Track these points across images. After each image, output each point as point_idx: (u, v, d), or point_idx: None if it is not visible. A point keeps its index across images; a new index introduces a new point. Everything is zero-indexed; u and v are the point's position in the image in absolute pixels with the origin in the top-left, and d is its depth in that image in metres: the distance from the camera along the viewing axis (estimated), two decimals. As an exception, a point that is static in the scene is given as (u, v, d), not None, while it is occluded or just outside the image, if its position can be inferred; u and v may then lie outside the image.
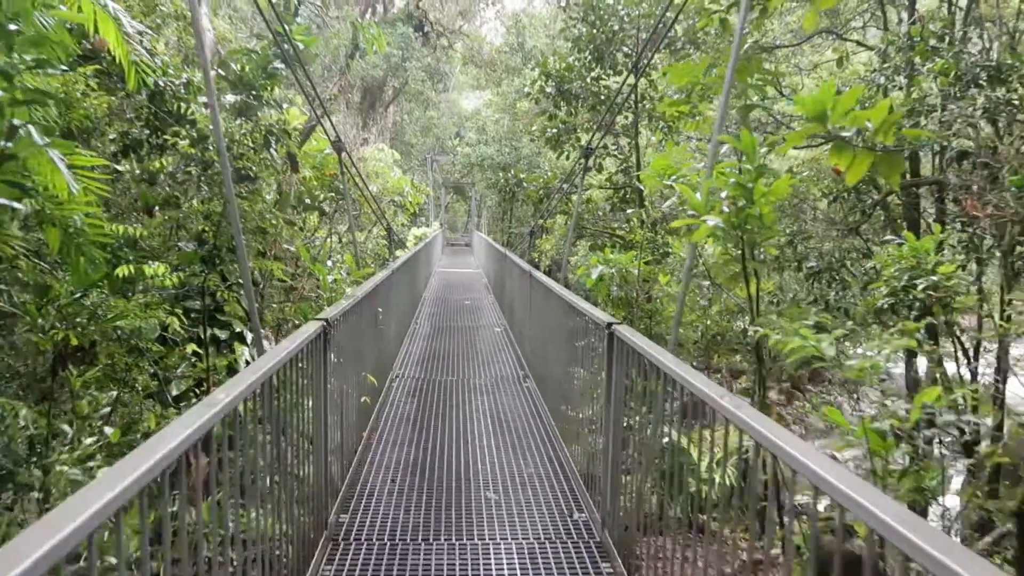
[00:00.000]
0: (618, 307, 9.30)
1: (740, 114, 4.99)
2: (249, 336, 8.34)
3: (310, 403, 3.63)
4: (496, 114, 38.09)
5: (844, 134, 2.94)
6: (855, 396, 19.97)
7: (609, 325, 3.98)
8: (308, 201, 8.95)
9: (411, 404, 7.21)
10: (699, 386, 2.57)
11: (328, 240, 16.16)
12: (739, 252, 4.08)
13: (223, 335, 8.13)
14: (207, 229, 6.13)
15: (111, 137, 7.22)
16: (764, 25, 14.70)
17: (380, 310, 6.49)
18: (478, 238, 32.02)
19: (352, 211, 13.10)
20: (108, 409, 4.84)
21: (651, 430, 3.52)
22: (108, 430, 3.55)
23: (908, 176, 10.17)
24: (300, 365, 3.36)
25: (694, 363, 14.63)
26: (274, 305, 9.41)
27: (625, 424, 4.02)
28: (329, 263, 7.99)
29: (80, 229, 4.24)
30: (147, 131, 7.16)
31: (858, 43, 14.73)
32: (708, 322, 9.51)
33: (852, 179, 3.28)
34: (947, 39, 9.40)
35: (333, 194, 12.73)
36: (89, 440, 3.38)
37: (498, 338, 11.20)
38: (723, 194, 3.49)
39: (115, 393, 5.13)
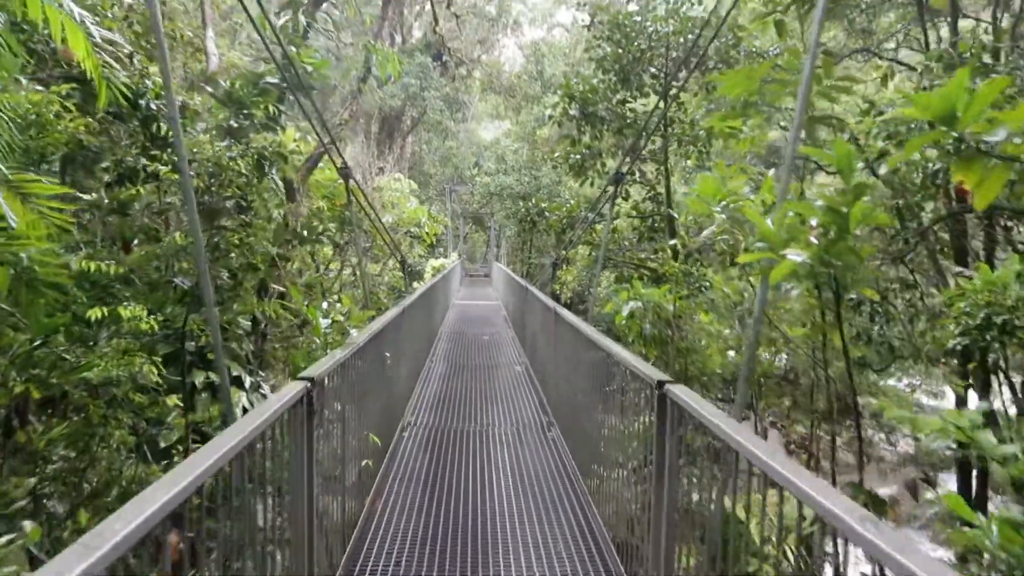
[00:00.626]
0: (649, 345, 8.51)
1: (807, 127, 4.27)
2: (248, 380, 7.68)
3: (290, 476, 2.92)
4: (515, 143, 37.72)
5: (990, 139, 2.21)
6: (887, 429, 18.92)
7: (661, 385, 3.21)
8: (307, 234, 8.27)
9: (423, 459, 6.44)
10: (813, 495, 1.79)
11: (340, 273, 15.57)
12: (820, 291, 3.33)
13: (218, 379, 7.47)
14: (189, 265, 5.47)
15: (104, 165, 6.66)
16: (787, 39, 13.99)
17: (388, 354, 5.77)
18: (497, 269, 31.38)
19: (365, 242, 12.49)
20: (25, 502, 4.11)
21: (714, 508, 2.77)
22: (27, 525, 2.83)
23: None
24: (275, 436, 2.65)
25: (719, 396, 13.71)
26: (276, 346, 8.77)
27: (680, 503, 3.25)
28: (325, 304, 7.29)
29: (27, 268, 3.59)
30: (143, 159, 6.60)
31: (896, 62, 13.98)
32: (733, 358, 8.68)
33: (983, 201, 2.53)
34: (1002, 54, 8.66)
35: (348, 225, 12.15)
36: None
37: (519, 378, 10.43)
38: (812, 221, 2.74)
39: (33, 481, 4.42)
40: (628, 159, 8.35)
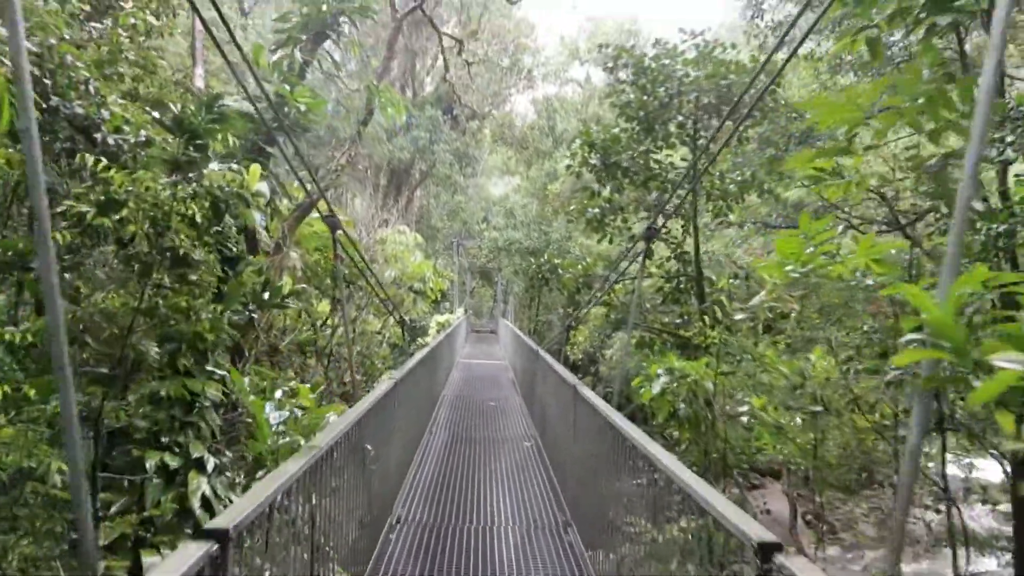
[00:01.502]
0: (683, 427, 7.31)
1: (937, 173, 3.23)
2: (211, 462, 6.51)
3: None
4: (525, 199, 37.09)
5: None
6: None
7: (767, 553, 2.05)
8: (268, 297, 7.15)
9: (413, 570, 5.21)
10: None
11: (335, 331, 14.47)
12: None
13: (175, 463, 6.32)
14: (116, 333, 4.38)
15: (59, 210, 5.65)
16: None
17: (369, 448, 4.60)
18: (504, 326, 30.26)
19: (360, 299, 11.48)
20: None
21: None
22: None
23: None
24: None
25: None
26: (249, 420, 7.63)
27: None
28: (279, 394, 6.16)
29: None
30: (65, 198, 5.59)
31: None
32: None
33: None
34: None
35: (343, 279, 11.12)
36: None
37: (528, 457, 9.19)
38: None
39: None
40: (660, 213, 7.34)
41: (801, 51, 12.33)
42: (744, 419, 7.25)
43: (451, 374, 18.16)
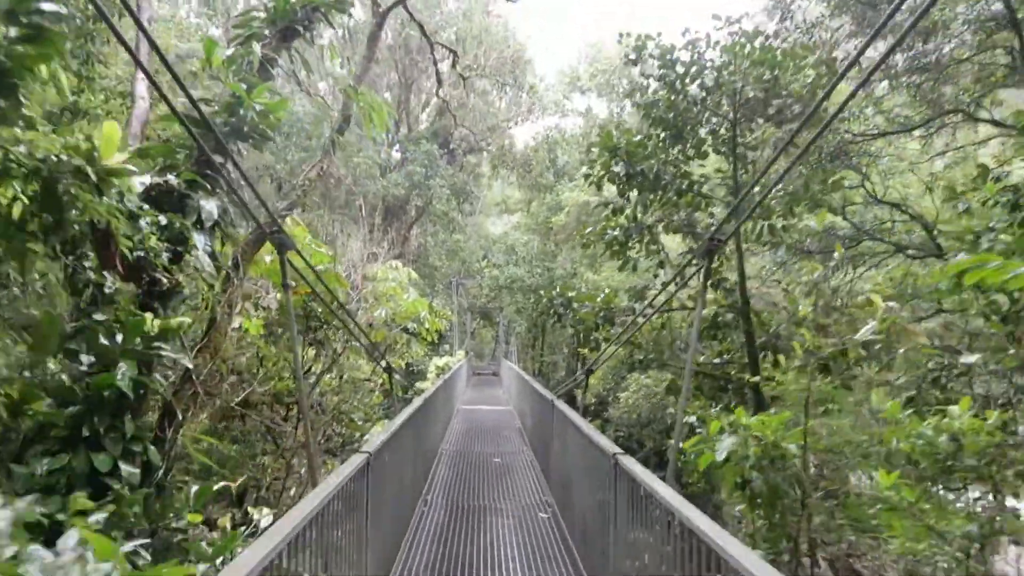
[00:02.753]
0: (753, 502, 5.55)
1: None
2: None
3: None
4: (526, 235, 35.62)
5: None
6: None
7: None
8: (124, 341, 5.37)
9: None
10: None
11: (320, 377, 12.73)
12: None
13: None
14: None
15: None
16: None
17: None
18: (507, 368, 28.40)
19: (336, 337, 9.80)
20: None
21: None
22: None
23: None
24: None
25: None
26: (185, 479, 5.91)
27: None
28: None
29: None
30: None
31: (995, 123, 11.58)
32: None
33: None
34: None
35: (313, 320, 9.44)
36: None
37: (546, 535, 7.37)
38: None
39: None
40: (725, 222, 5.68)
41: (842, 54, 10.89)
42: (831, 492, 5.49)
43: (451, 424, 16.32)
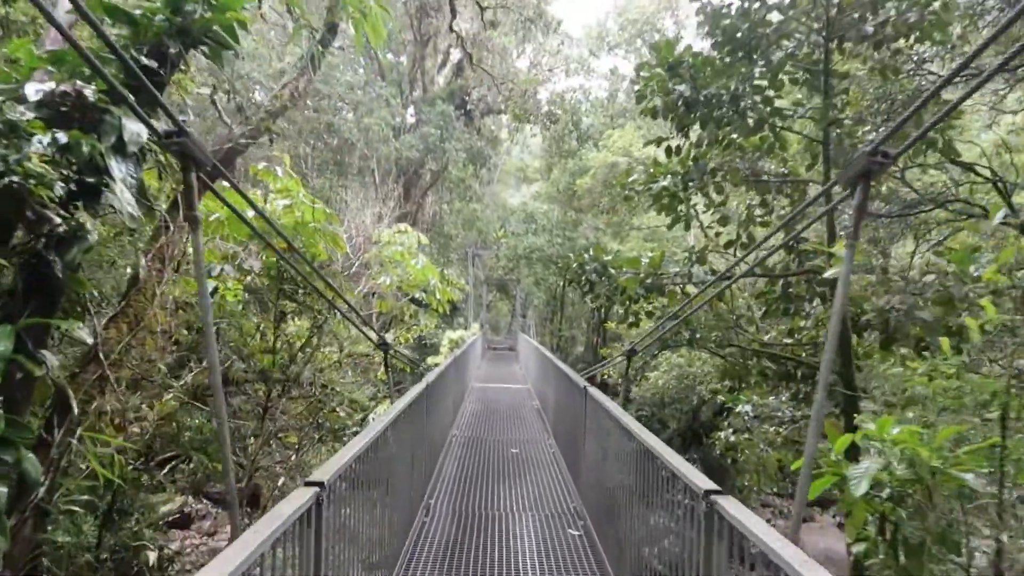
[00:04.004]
0: (895, 549, 3.86)
1: None
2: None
3: None
4: (546, 204, 33.74)
5: None
6: None
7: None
8: None
9: None
10: None
11: (312, 355, 11.14)
12: None
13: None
14: None
15: None
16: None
17: None
18: (525, 343, 26.75)
19: (320, 306, 8.14)
20: None
21: None
22: None
23: None
24: None
25: None
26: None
27: None
28: None
29: None
30: None
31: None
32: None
33: None
34: None
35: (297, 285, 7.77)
36: None
37: (580, 563, 5.74)
38: None
39: None
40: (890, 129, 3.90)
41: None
42: None
43: (463, 405, 14.75)
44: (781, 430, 8.33)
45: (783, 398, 8.59)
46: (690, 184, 6.80)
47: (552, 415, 11.63)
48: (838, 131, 6.55)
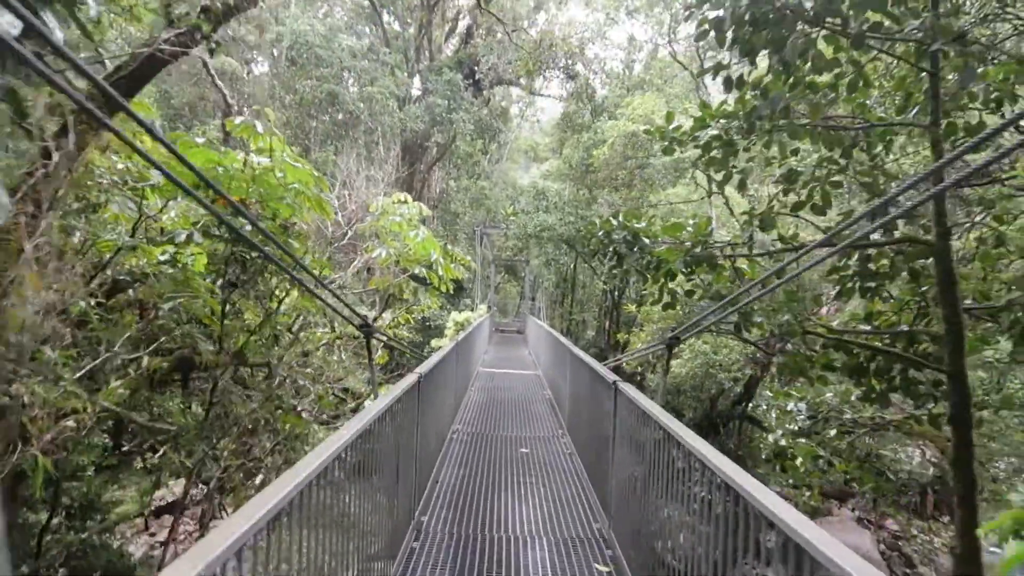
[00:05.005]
0: None
1: None
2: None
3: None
4: (557, 183, 32.12)
5: None
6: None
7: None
8: None
9: None
10: None
11: (294, 340, 9.80)
12: None
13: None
14: None
15: None
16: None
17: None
18: (534, 326, 25.31)
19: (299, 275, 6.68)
20: None
21: None
22: None
23: None
24: None
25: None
26: None
27: None
28: None
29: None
30: None
31: None
32: None
33: None
34: None
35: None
36: None
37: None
38: None
39: None
40: None
41: None
42: None
43: (467, 393, 13.38)
44: (848, 437, 6.88)
45: (854, 396, 7.15)
46: (758, 122, 5.29)
47: (568, 408, 10.23)
48: (956, 53, 5.00)
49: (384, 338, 7.37)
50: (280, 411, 6.80)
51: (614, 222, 7.18)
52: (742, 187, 6.34)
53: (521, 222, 28.15)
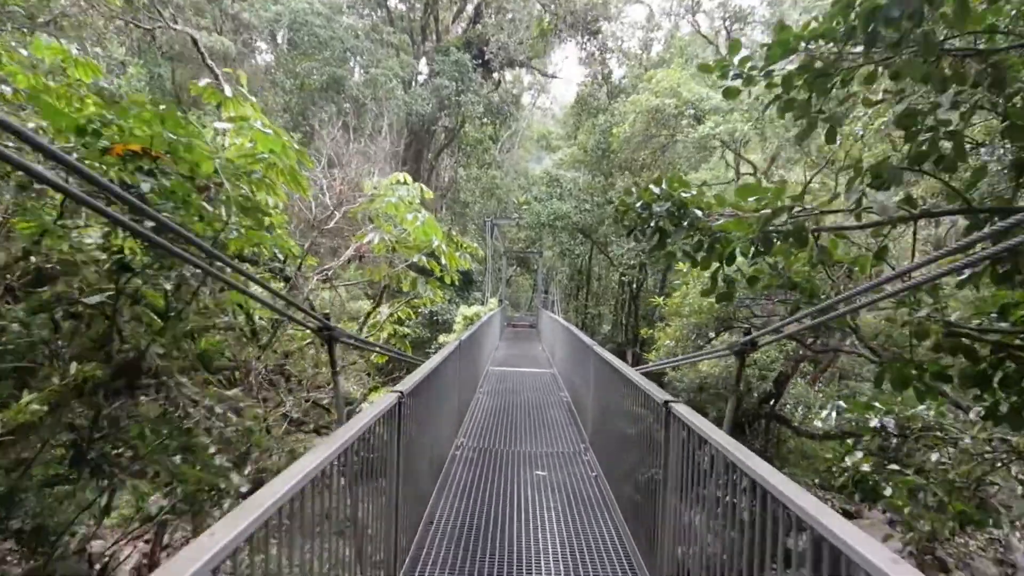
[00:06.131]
0: None
1: None
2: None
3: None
4: (571, 172, 30.51)
5: None
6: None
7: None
8: None
9: None
10: None
11: (271, 340, 8.33)
12: None
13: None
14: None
15: None
16: None
17: None
18: (548, 321, 23.73)
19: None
20: None
21: None
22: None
23: None
24: None
25: None
26: None
27: None
28: None
29: None
30: None
31: None
32: None
33: None
34: None
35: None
36: None
37: None
38: None
39: None
40: None
41: None
42: None
43: (474, 399, 11.86)
44: (965, 468, 5.28)
45: (972, 412, 5.55)
46: (883, 31, 3.70)
47: (592, 418, 8.66)
48: None
49: (352, 342, 5.85)
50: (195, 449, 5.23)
51: (656, 190, 5.60)
52: (831, 138, 4.76)
53: (534, 210, 26.57)
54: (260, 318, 6.82)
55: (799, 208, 4.44)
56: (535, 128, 50.78)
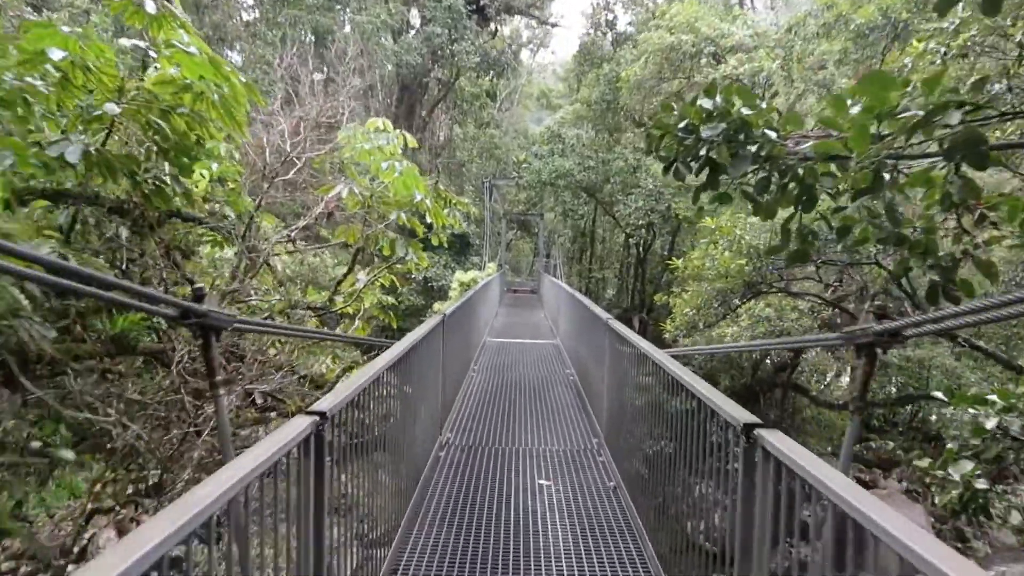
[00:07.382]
0: None
1: None
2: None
3: None
4: (573, 130, 28.59)
5: None
6: None
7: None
8: None
9: None
10: None
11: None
12: None
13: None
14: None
15: None
16: None
17: None
18: (551, 286, 22.09)
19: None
20: None
21: None
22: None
23: None
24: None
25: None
26: None
27: None
28: None
29: None
30: None
31: None
32: None
33: None
34: None
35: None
36: None
37: None
38: None
39: None
40: None
41: None
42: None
43: (467, 379, 10.31)
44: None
45: None
46: None
47: (607, 409, 7.06)
48: None
49: (248, 327, 4.28)
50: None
51: (707, 104, 3.96)
52: (993, 7, 3.14)
53: (535, 168, 24.79)
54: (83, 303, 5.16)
55: (969, 107, 2.78)
56: (535, 85, 48.65)
